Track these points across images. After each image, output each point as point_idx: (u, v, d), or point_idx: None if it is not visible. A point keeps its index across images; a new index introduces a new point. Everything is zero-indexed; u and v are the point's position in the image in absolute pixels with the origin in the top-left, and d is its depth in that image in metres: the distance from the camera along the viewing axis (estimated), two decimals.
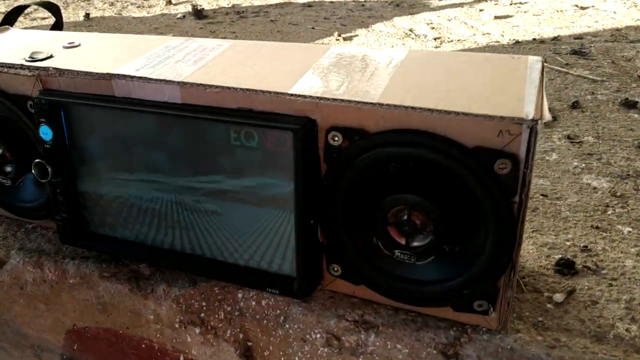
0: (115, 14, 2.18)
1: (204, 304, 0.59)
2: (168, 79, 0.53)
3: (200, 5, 2.10)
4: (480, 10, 1.89)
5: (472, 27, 1.71)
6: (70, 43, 0.65)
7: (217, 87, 0.51)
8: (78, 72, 0.57)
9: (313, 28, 1.80)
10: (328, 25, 1.82)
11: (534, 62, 0.52)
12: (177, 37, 0.65)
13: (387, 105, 0.46)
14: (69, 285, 0.65)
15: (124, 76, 0.54)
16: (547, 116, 0.43)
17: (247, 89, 0.50)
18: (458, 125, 0.44)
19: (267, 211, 0.53)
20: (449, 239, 0.48)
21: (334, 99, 0.47)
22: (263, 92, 0.49)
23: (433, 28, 1.72)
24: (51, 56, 0.61)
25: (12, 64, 0.60)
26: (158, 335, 0.63)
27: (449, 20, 1.80)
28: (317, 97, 0.48)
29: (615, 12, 1.76)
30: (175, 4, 2.27)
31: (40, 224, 0.71)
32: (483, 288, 0.48)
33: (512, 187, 0.44)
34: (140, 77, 0.54)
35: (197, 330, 0.60)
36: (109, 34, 0.71)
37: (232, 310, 0.58)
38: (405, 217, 0.48)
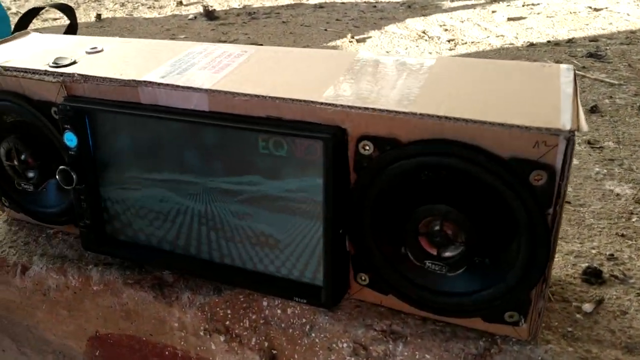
0: (127, 14, 2.18)
1: (229, 312, 0.59)
2: (195, 86, 0.53)
3: (212, 6, 2.10)
4: (493, 11, 1.89)
5: (485, 29, 1.70)
6: (93, 48, 0.64)
7: (245, 95, 0.51)
8: (103, 79, 0.56)
9: (325, 30, 1.79)
10: (340, 27, 1.81)
11: (566, 70, 0.51)
12: (199, 42, 0.65)
13: (420, 114, 0.45)
14: (92, 292, 0.65)
15: (151, 83, 0.54)
16: (585, 127, 0.42)
17: (276, 97, 0.50)
18: (493, 136, 0.43)
19: (295, 219, 0.53)
20: (481, 250, 0.47)
21: (365, 108, 0.47)
22: (292, 100, 0.49)
23: (446, 30, 1.71)
24: (75, 62, 0.61)
25: (36, 69, 0.60)
26: (182, 343, 0.62)
27: (462, 22, 1.79)
28: (348, 106, 0.47)
29: (629, 14, 1.75)
30: (186, 5, 2.27)
31: (62, 230, 0.71)
32: (515, 299, 0.48)
33: (548, 198, 0.43)
34: (168, 84, 0.54)
35: (222, 338, 0.60)
36: (131, 39, 0.71)
37: (257, 319, 0.58)
38: (437, 227, 0.48)
